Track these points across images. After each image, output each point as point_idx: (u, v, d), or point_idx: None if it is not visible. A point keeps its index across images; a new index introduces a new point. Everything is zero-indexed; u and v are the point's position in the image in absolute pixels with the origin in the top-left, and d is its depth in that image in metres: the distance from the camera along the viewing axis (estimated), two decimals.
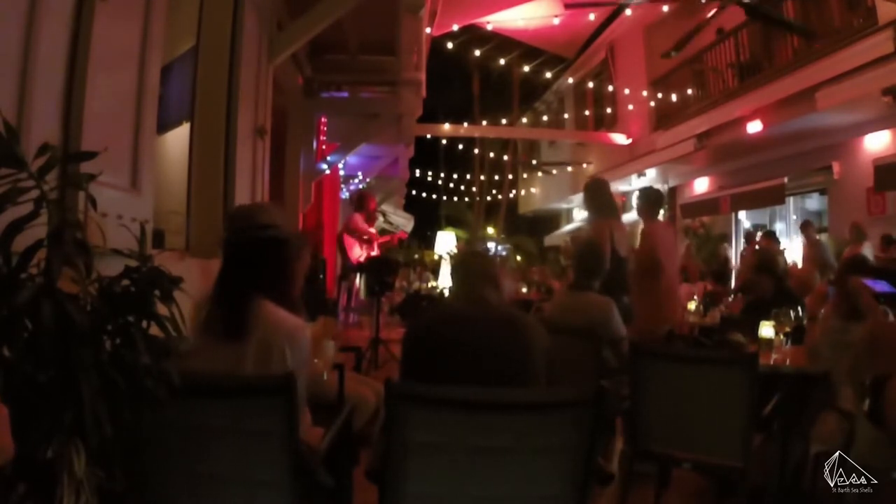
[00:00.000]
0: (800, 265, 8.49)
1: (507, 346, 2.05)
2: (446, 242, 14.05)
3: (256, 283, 2.07)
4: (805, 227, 9.21)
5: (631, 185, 13.43)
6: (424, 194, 21.16)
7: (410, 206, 20.99)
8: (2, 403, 1.08)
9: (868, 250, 7.44)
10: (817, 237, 9.15)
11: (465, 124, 15.74)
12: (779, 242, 9.39)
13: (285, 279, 2.16)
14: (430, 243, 18.49)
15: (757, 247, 9.26)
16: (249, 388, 1.86)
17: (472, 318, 2.13)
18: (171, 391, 1.39)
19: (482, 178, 22.39)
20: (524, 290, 9.77)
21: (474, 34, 12.61)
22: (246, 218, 2.21)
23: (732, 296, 6.36)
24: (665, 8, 11.30)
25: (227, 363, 1.98)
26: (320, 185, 8.77)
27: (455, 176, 21.44)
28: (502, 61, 13.35)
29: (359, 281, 8.08)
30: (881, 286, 2.76)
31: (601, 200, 4.93)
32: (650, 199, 5.12)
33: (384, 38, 7.06)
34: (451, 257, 10.44)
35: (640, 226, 5.10)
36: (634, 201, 5.57)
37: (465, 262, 2.38)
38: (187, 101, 4.40)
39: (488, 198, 22.84)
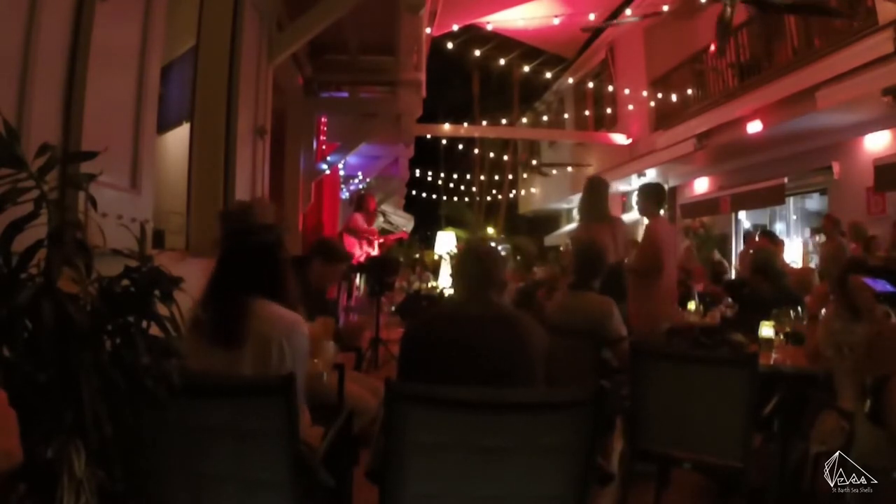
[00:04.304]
0: (799, 265, 8.36)
1: (505, 346, 2.04)
2: (446, 242, 14.03)
3: (252, 286, 2.08)
4: (830, 224, 8.60)
5: (631, 185, 13.40)
6: (424, 194, 21.14)
7: (410, 206, 21.01)
8: (9, 408, 1.08)
9: None
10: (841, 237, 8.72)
11: (465, 124, 15.72)
12: (781, 243, 9.20)
13: (280, 279, 2.17)
14: (430, 243, 18.49)
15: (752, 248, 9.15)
16: (249, 388, 1.86)
17: (470, 318, 2.13)
18: (171, 391, 1.39)
19: (482, 178, 22.42)
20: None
21: (474, 34, 12.60)
22: (239, 219, 2.22)
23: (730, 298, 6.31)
24: (665, 8, 11.29)
25: (224, 365, 1.98)
26: (320, 185, 8.76)
27: (455, 176, 21.42)
28: (502, 61, 13.32)
29: (359, 281, 8.09)
30: (881, 285, 2.76)
31: (591, 202, 4.91)
32: (650, 194, 5.01)
33: (384, 39, 7.05)
34: (454, 255, 10.40)
35: (644, 222, 5.04)
36: (635, 198, 5.49)
37: (468, 263, 2.28)
38: (187, 101, 4.41)
39: (488, 198, 22.86)
